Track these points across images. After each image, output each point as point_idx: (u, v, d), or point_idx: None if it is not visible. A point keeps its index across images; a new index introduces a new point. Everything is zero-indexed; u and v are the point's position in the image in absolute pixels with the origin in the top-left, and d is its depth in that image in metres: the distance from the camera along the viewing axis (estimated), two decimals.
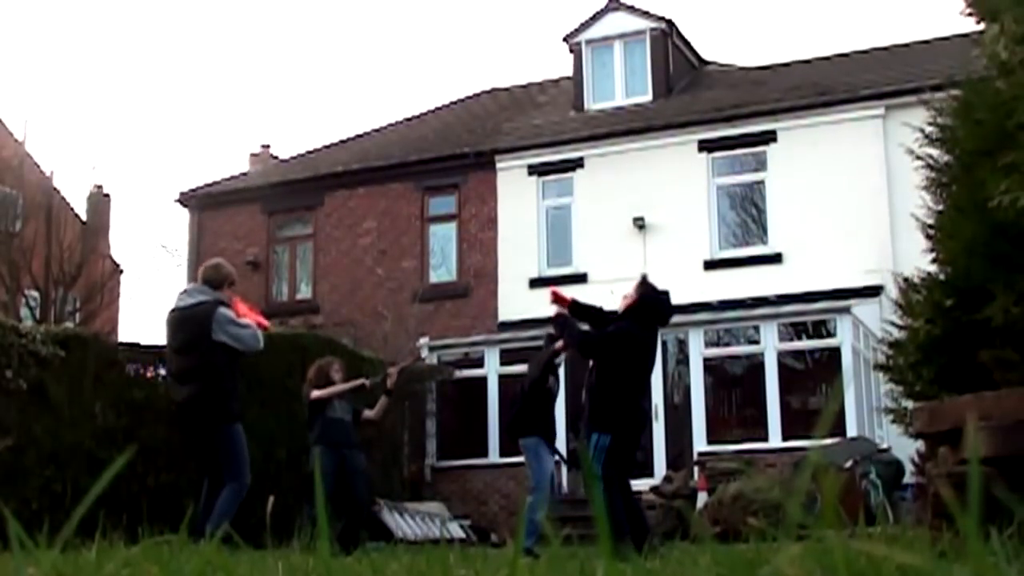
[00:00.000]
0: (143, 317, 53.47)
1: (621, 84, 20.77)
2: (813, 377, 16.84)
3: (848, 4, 60.90)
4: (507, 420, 10.95)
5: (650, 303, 7.82)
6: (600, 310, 8.28)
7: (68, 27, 58.32)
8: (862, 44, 34.64)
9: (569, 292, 8.79)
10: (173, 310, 7.56)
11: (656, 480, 15.28)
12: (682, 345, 16.90)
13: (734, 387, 17.29)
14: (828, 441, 14.01)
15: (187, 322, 7.40)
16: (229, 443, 7.28)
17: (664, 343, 16.98)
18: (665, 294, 7.93)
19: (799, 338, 16.67)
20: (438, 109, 24.66)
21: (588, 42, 20.98)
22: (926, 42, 20.89)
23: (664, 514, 13.85)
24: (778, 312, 16.55)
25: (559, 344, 9.41)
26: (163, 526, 5.18)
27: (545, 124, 20.81)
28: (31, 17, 53.01)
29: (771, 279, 17.56)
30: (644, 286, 7.97)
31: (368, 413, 10.12)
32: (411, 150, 21.36)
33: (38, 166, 27.56)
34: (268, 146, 25.47)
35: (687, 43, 21.63)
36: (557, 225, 19.49)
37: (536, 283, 19.06)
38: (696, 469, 15.30)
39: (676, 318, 16.56)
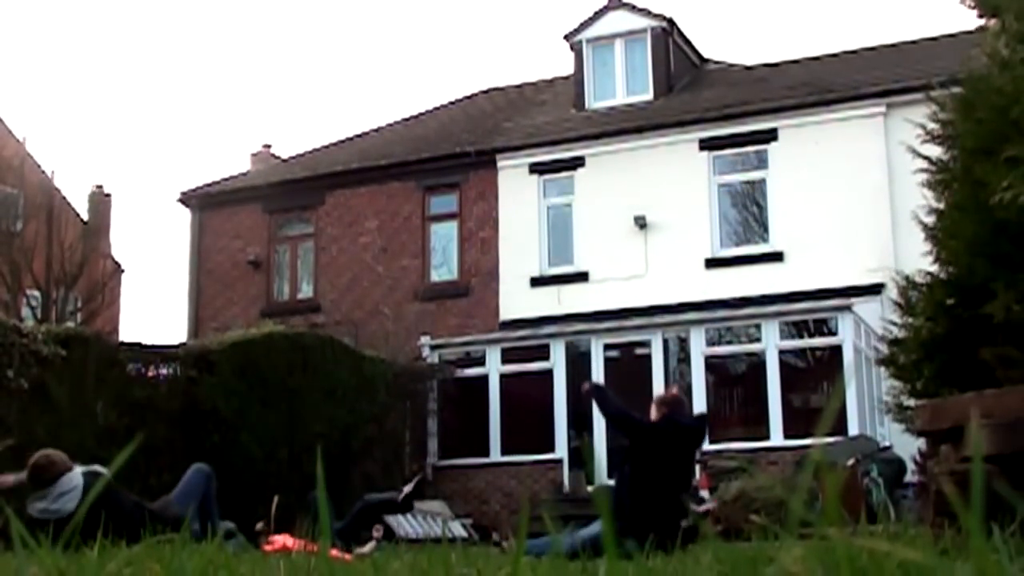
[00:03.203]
0: (144, 317, 53.43)
1: (622, 82, 20.75)
2: (815, 375, 16.81)
3: (849, 2, 60.87)
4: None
5: (659, 432, 7.48)
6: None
7: (69, 26, 58.31)
8: (863, 42, 34.63)
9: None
10: (63, 517, 6.96)
11: None
12: (683, 343, 16.88)
13: (735, 385, 17.27)
14: (830, 439, 14.00)
15: (94, 507, 6.52)
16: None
17: (665, 341, 16.97)
18: (682, 425, 7.54)
19: (800, 336, 16.64)
20: (439, 108, 24.64)
21: (589, 40, 20.96)
22: (928, 39, 20.86)
23: None
24: (779, 310, 16.53)
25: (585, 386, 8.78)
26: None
27: (546, 123, 20.79)
28: (32, 17, 53.01)
29: (772, 277, 17.55)
30: (665, 408, 7.61)
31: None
32: (412, 149, 21.34)
33: (39, 166, 27.59)
34: (269, 145, 25.47)
35: (688, 41, 21.60)
36: (558, 224, 19.47)
37: (537, 282, 19.05)
38: (698, 467, 15.28)
39: (677, 316, 16.75)
